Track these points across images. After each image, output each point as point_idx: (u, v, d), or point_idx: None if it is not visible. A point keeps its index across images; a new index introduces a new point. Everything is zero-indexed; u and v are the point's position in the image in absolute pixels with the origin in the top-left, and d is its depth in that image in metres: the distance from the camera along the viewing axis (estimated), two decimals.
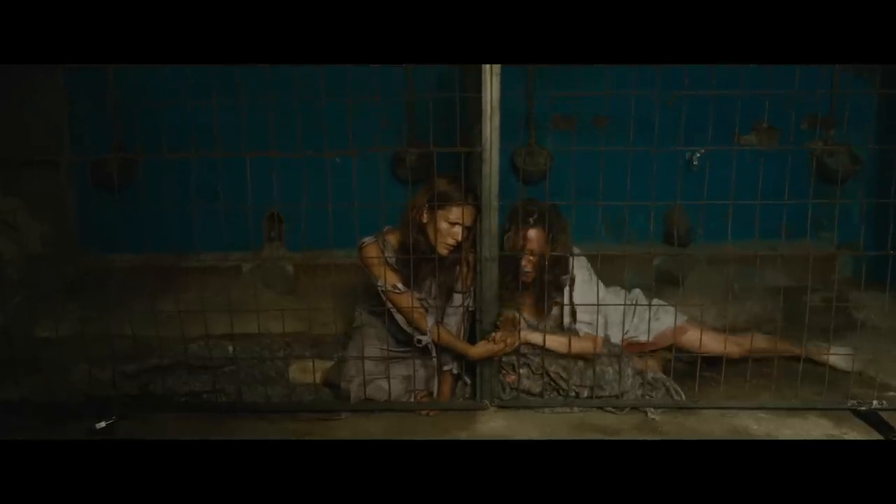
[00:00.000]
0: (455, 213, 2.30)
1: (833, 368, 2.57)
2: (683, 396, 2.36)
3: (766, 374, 2.43)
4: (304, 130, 2.42)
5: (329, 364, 2.59)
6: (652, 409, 2.30)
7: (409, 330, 2.40)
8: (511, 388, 2.38)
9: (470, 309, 2.43)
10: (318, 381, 2.51)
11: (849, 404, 2.31)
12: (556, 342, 2.41)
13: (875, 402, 2.30)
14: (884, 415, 2.25)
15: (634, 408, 2.32)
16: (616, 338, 2.55)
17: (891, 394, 2.42)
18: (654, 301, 2.72)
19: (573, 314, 2.49)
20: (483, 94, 2.13)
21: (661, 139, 2.24)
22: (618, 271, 2.67)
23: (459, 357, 2.39)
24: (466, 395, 2.44)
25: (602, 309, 2.47)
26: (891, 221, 2.22)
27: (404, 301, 2.35)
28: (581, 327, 2.49)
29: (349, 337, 2.65)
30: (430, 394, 2.44)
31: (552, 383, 2.38)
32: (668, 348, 2.57)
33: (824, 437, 2.13)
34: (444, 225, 2.32)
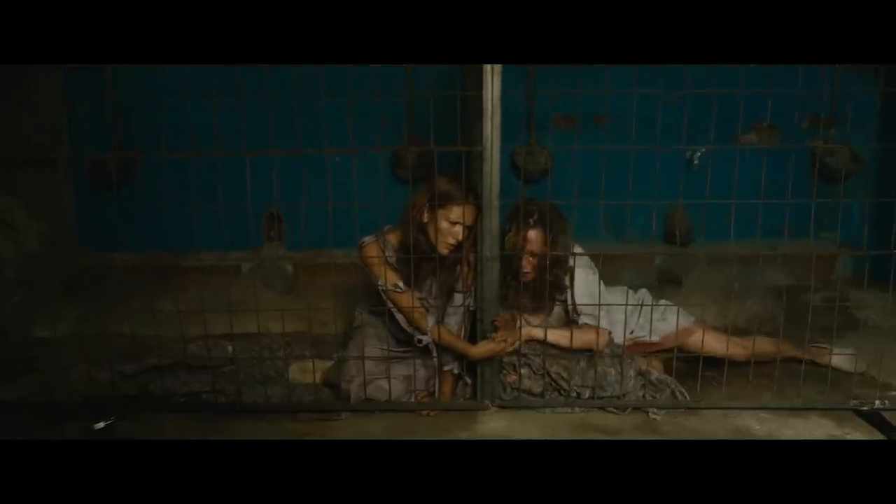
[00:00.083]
0: (456, 212, 2.29)
1: (835, 369, 2.57)
2: (688, 398, 2.35)
3: (768, 375, 2.42)
4: (304, 130, 2.41)
5: (329, 364, 2.58)
6: (654, 410, 2.29)
7: (409, 330, 2.39)
8: (512, 389, 2.37)
9: (471, 308, 2.42)
10: (318, 381, 2.50)
11: (851, 404, 2.31)
12: (558, 335, 2.40)
13: (877, 402, 2.29)
14: (886, 415, 2.24)
15: (636, 408, 2.32)
16: (619, 338, 2.55)
17: (893, 394, 2.42)
18: (661, 302, 2.72)
19: (575, 310, 2.49)
20: (484, 93, 2.12)
21: (662, 138, 2.23)
22: (619, 270, 2.66)
23: (460, 357, 2.38)
24: (467, 396, 2.43)
25: (606, 308, 2.46)
26: (892, 221, 2.21)
27: (405, 301, 2.35)
28: (584, 319, 2.47)
29: (349, 337, 2.64)
30: (431, 394, 2.43)
31: (553, 384, 2.37)
32: (672, 349, 2.56)
33: (826, 438, 2.13)
34: (444, 224, 2.31)
